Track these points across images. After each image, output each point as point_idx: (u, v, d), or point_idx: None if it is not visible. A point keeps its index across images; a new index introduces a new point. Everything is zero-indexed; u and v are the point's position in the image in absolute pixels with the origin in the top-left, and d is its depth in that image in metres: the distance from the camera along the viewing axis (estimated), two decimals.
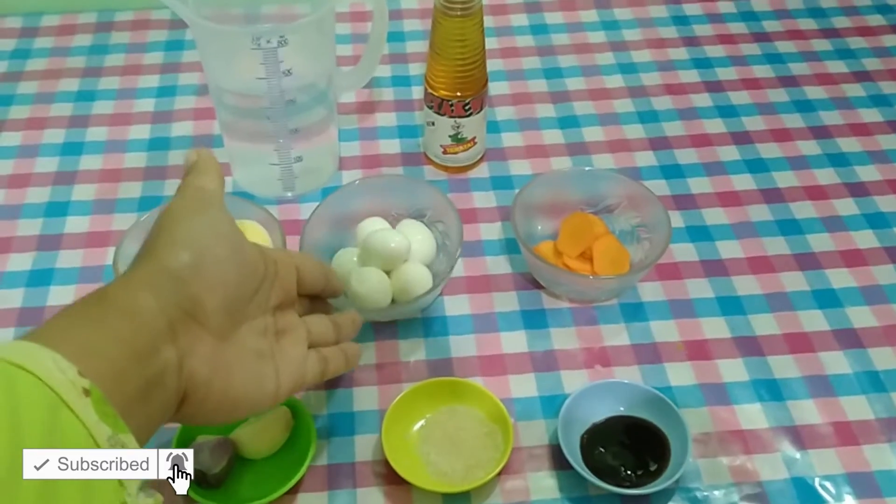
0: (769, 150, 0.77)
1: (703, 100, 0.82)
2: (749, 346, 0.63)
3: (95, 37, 0.88)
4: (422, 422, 0.57)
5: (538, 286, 0.66)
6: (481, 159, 0.76)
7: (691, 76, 0.85)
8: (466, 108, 0.70)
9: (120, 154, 0.76)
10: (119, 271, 0.59)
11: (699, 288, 0.66)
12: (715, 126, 0.80)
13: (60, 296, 0.65)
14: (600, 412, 0.57)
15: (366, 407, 0.59)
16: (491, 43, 0.87)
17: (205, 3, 0.65)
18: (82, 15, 0.90)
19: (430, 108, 0.71)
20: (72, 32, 0.89)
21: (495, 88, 0.83)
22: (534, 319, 0.64)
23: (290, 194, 0.73)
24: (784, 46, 0.88)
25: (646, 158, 0.76)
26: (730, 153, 0.77)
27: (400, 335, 0.63)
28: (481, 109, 0.71)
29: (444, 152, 0.74)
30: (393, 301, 0.62)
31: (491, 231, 0.70)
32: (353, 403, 0.59)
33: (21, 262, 0.67)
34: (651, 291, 0.66)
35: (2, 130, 0.78)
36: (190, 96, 0.81)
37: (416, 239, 0.64)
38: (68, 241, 0.69)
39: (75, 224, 0.70)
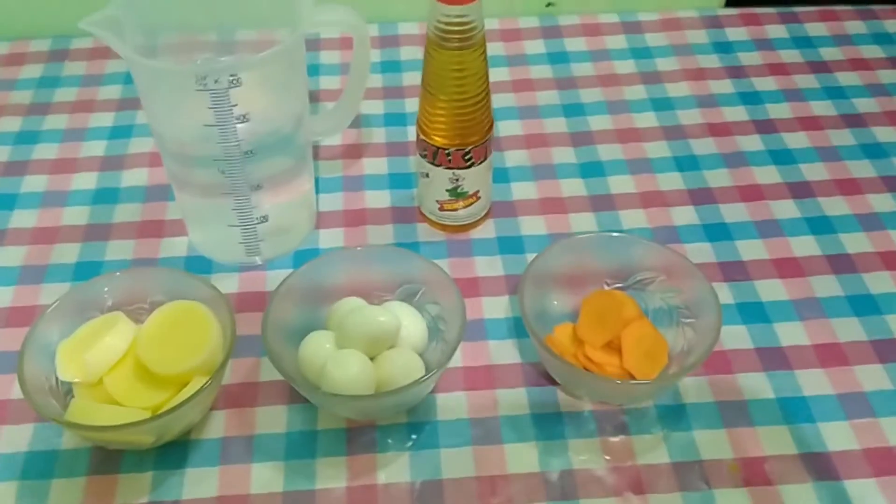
0: (835, 206, 0.64)
1: (752, 143, 0.69)
2: (823, 467, 0.49)
3: (46, 67, 0.77)
4: None
5: (553, 381, 0.53)
6: (486, 216, 0.63)
7: (738, 114, 0.72)
8: (467, 157, 0.57)
9: (58, 208, 0.64)
10: (26, 367, 0.47)
11: (755, 386, 0.53)
12: (768, 175, 0.66)
13: None
14: None
15: None
16: (501, 74, 0.75)
17: (165, 27, 0.54)
18: (34, 42, 0.79)
19: (424, 157, 0.59)
20: (20, 63, 0.77)
21: (505, 128, 0.70)
22: (547, 427, 0.51)
23: (259, 260, 0.60)
24: (846, 78, 0.75)
25: (685, 215, 0.63)
26: (787, 209, 0.64)
27: (378, 446, 0.50)
28: (485, 159, 0.59)
29: (441, 209, 0.61)
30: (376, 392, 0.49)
31: (496, 307, 0.57)
32: None
33: None
34: (695, 389, 0.53)
35: None
36: (148, 138, 0.69)
37: (403, 324, 0.52)
38: None
39: None
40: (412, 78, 0.76)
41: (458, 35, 0.53)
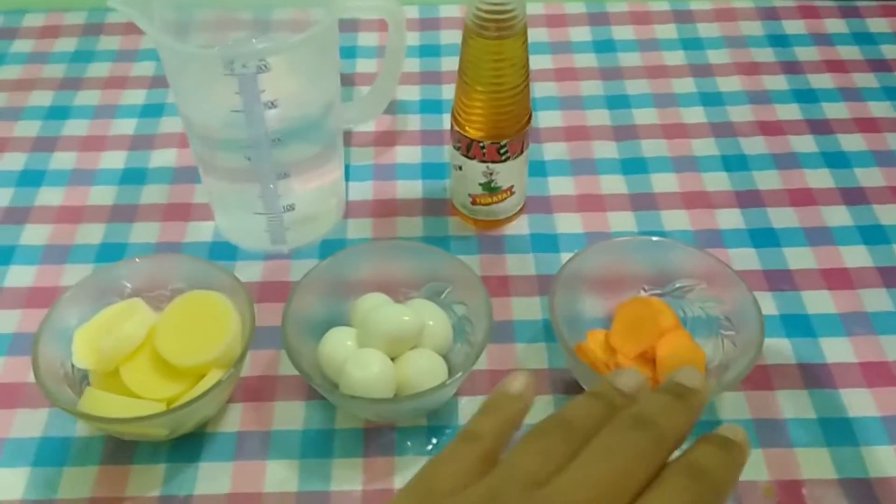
0: (890, 215, 0.60)
1: (805, 143, 0.65)
2: (863, 493, 0.46)
3: (80, 41, 0.76)
4: None
5: (582, 390, 0.51)
6: (520, 211, 0.61)
7: (792, 112, 0.68)
8: (502, 151, 0.55)
9: (85, 187, 0.63)
10: (41, 351, 0.46)
11: (797, 404, 0.50)
12: (821, 179, 0.63)
13: None
14: None
15: None
16: (543, 62, 0.73)
17: (199, 3, 0.52)
18: (69, 14, 0.78)
19: (458, 149, 0.56)
20: (55, 35, 0.76)
21: (545, 119, 0.68)
22: None
23: (286, 249, 0.59)
24: None
25: (731, 218, 0.60)
26: (839, 216, 0.60)
27: (397, 449, 0.49)
28: (521, 153, 0.56)
29: (474, 203, 0.59)
30: (396, 395, 0.48)
31: (526, 308, 0.55)
32: None
33: None
34: (731, 405, 0.50)
35: None
36: (178, 118, 0.68)
37: (428, 323, 0.50)
38: (6, 298, 0.56)
39: (17, 275, 0.57)
40: (451, 63, 0.73)
41: (497, 23, 0.50)
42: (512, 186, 0.58)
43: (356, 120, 0.61)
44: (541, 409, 0.50)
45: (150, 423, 0.45)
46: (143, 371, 0.47)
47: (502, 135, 0.54)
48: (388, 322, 0.48)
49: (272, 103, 0.50)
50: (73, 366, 0.48)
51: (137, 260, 0.51)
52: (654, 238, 0.53)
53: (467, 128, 0.55)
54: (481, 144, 0.55)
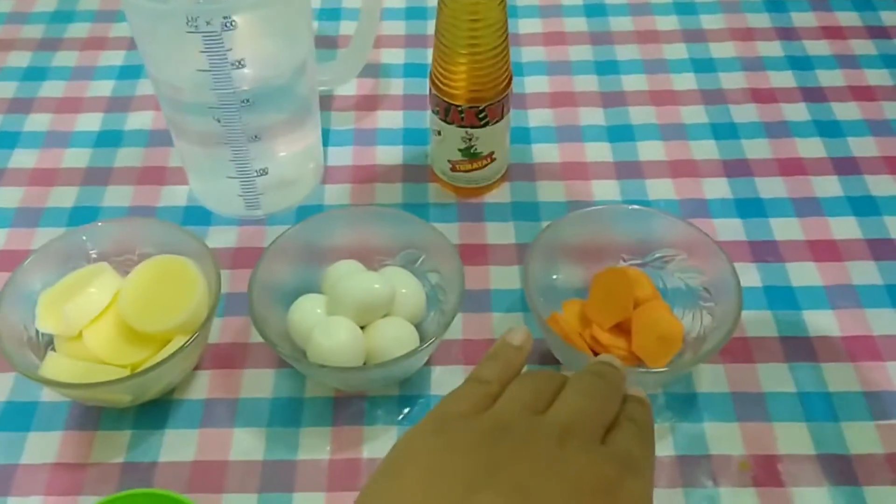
0: (883, 186, 0.59)
1: (798, 112, 0.64)
2: (841, 470, 0.45)
3: (60, 1, 0.74)
4: None
5: (557, 360, 0.50)
6: (502, 178, 0.59)
7: (785, 79, 0.66)
8: (481, 116, 0.54)
9: (60, 150, 0.62)
10: (3, 314, 0.45)
11: (777, 378, 0.49)
12: (812, 148, 0.61)
13: None
14: None
15: None
16: (531, 26, 0.71)
17: None
18: None
19: (436, 113, 0.55)
20: None
21: (531, 84, 0.66)
22: None
23: (261, 213, 0.57)
24: None
25: (718, 188, 0.59)
26: (830, 187, 0.59)
27: (367, 418, 0.48)
28: (501, 118, 0.55)
29: (454, 169, 0.57)
30: (365, 363, 0.47)
31: (504, 277, 0.54)
32: None
33: None
34: (709, 378, 0.49)
35: None
36: None
37: (401, 291, 0.49)
38: None
39: None
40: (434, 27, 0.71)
41: None
42: (493, 153, 0.56)
43: (331, 82, 0.60)
44: None
45: (113, 388, 0.44)
46: (108, 336, 0.47)
47: (481, 98, 0.53)
48: (358, 290, 0.47)
49: (240, 63, 0.48)
50: (37, 331, 0.47)
51: (104, 223, 0.50)
52: (635, 206, 0.51)
53: (445, 91, 0.53)
54: (459, 109, 0.53)
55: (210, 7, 0.45)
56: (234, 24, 0.46)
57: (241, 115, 0.51)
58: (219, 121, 0.51)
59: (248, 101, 0.50)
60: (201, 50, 0.47)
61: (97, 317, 0.47)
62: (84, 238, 0.50)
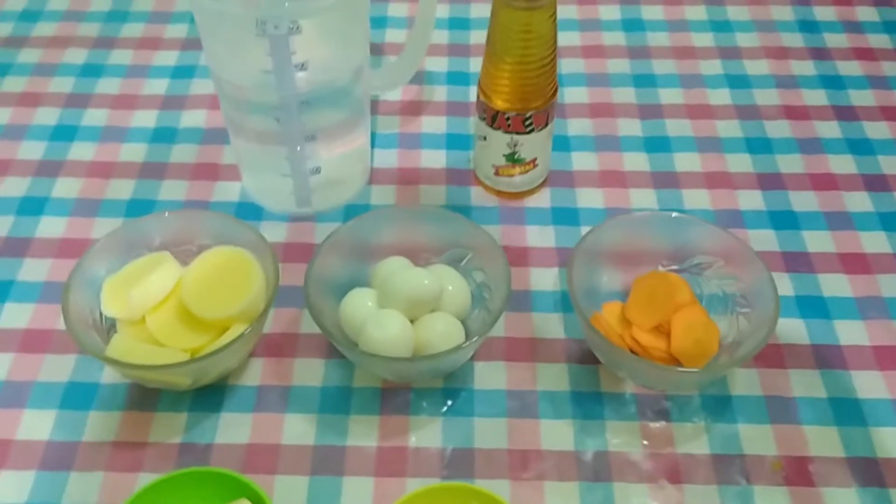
0: None
1: (831, 129, 0.66)
2: (870, 473, 0.47)
3: (115, 2, 0.77)
4: None
5: (596, 360, 0.52)
6: (543, 184, 0.61)
7: (818, 98, 0.68)
8: (527, 123, 0.56)
9: (117, 144, 0.64)
10: (71, 299, 0.47)
11: (808, 384, 0.51)
12: (844, 164, 0.63)
13: (13, 316, 0.54)
14: None
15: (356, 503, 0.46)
16: (572, 38, 0.73)
17: None
18: None
19: (483, 119, 0.57)
20: None
21: (571, 95, 0.68)
22: (586, 406, 0.50)
23: (310, 210, 0.60)
24: None
25: (752, 200, 0.61)
26: (860, 202, 0.60)
27: (412, 408, 0.50)
28: (546, 125, 0.57)
29: (497, 173, 0.59)
30: (412, 356, 0.49)
31: (544, 279, 0.56)
32: (340, 498, 0.46)
33: None
34: (743, 382, 0.51)
35: None
36: (209, 80, 0.69)
37: (447, 288, 0.51)
38: (37, 248, 0.57)
39: (49, 226, 0.59)
40: (479, 36, 0.73)
41: None
42: (535, 159, 0.58)
43: (383, 87, 0.62)
44: (556, 376, 0.51)
45: (175, 371, 0.46)
46: (169, 321, 0.49)
47: (528, 107, 0.55)
48: (409, 284, 0.49)
49: (302, 65, 0.50)
50: (101, 314, 0.49)
51: (167, 214, 0.53)
52: (674, 214, 0.54)
53: (493, 98, 0.55)
54: (507, 116, 0.55)
55: (280, 12, 0.48)
56: (299, 28, 0.48)
57: (299, 115, 0.53)
58: (278, 120, 0.53)
59: (307, 102, 0.52)
60: (268, 52, 0.49)
61: (160, 303, 0.49)
62: (147, 228, 0.52)
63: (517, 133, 0.56)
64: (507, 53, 0.53)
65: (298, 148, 0.55)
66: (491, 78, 0.55)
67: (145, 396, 0.50)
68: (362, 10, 0.53)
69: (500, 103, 0.55)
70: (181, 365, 0.46)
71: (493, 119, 0.56)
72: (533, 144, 0.57)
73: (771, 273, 0.49)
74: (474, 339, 0.47)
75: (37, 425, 0.49)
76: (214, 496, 0.43)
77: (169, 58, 0.71)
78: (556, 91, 0.56)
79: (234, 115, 0.56)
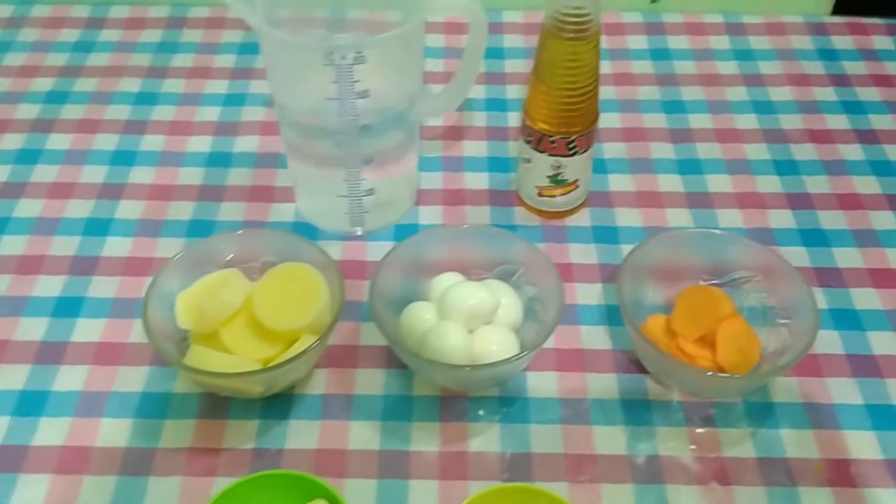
0: None
1: (853, 152, 0.69)
2: None
3: (165, 33, 0.80)
4: None
5: (642, 370, 0.54)
6: (582, 204, 0.64)
7: (840, 122, 0.71)
8: (571, 146, 0.59)
9: (174, 168, 0.67)
10: (151, 312, 0.50)
11: (844, 391, 0.53)
12: (867, 185, 0.66)
13: (87, 331, 0.56)
14: None
15: None
16: (602, 67, 0.75)
17: (280, 3, 0.56)
18: (154, 8, 0.83)
19: (528, 143, 0.60)
20: (141, 27, 0.81)
21: (604, 120, 0.71)
22: (635, 413, 0.52)
23: (359, 231, 0.63)
24: None
25: (782, 219, 0.64)
26: (886, 221, 0.64)
27: (470, 416, 0.53)
28: (588, 149, 0.60)
29: (540, 194, 0.62)
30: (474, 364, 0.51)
31: (588, 294, 0.59)
32: (407, 500, 0.49)
33: (50, 286, 0.59)
34: (783, 390, 0.54)
35: (50, 132, 0.70)
36: (259, 107, 0.73)
37: (502, 302, 0.54)
38: (105, 266, 0.60)
39: (115, 246, 0.62)
40: (513, 65, 0.77)
41: (574, 26, 0.54)
42: (577, 180, 0.62)
43: (433, 113, 0.65)
44: (605, 386, 0.54)
45: (251, 379, 0.49)
46: (241, 334, 0.52)
47: (572, 130, 0.58)
48: (468, 298, 0.52)
49: (364, 93, 0.54)
50: (174, 327, 0.52)
51: (237, 232, 0.56)
52: (714, 231, 0.57)
53: (539, 123, 0.58)
54: (552, 139, 0.59)
55: (347, 42, 0.51)
56: (364, 58, 0.52)
57: (358, 140, 0.56)
58: (339, 144, 0.56)
59: (366, 127, 0.56)
60: (333, 80, 0.53)
61: (232, 316, 0.52)
62: (215, 246, 0.55)
63: (561, 156, 0.59)
64: (554, 80, 0.56)
65: (355, 171, 0.58)
66: (537, 103, 0.58)
67: (217, 405, 0.52)
68: (419, 41, 0.56)
69: (545, 127, 0.58)
70: (257, 373, 0.49)
71: (539, 142, 0.59)
72: (575, 167, 0.60)
73: (810, 287, 0.52)
74: (530, 349, 0.50)
75: (115, 433, 0.51)
76: (292, 498, 0.45)
77: (219, 86, 0.75)
78: (597, 116, 0.59)
79: (295, 139, 0.59)
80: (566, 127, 0.58)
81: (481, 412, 0.53)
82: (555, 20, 0.54)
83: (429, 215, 0.64)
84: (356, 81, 0.53)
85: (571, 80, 0.56)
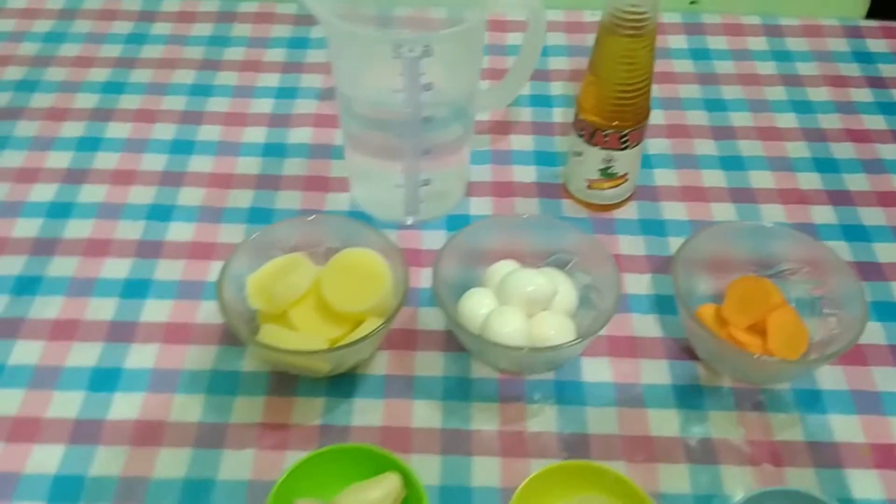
0: None
1: (891, 151, 0.71)
2: None
3: (216, 27, 0.82)
4: None
5: (693, 357, 0.56)
6: (630, 198, 0.66)
7: (877, 122, 0.73)
8: (623, 140, 0.61)
9: (232, 157, 0.70)
10: (225, 293, 0.52)
11: (889, 380, 0.55)
12: None
13: (155, 311, 0.58)
14: None
15: (485, 482, 0.50)
16: None
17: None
18: (204, 3, 0.85)
19: (581, 136, 0.62)
20: (191, 20, 0.83)
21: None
22: (688, 397, 0.54)
23: (410, 220, 0.65)
24: None
25: (824, 214, 0.66)
26: None
27: (527, 398, 0.54)
28: (639, 143, 0.62)
29: (589, 187, 0.64)
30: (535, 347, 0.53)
31: (638, 284, 0.61)
32: (470, 476, 0.51)
33: (117, 268, 0.61)
34: (830, 378, 0.55)
35: (109, 121, 0.73)
36: (311, 100, 0.75)
37: (558, 290, 0.56)
38: (169, 250, 0.62)
39: (178, 231, 0.64)
40: (556, 63, 0.79)
41: (631, 23, 0.56)
42: (627, 174, 0.64)
43: (489, 106, 0.67)
44: (657, 371, 0.56)
45: (322, 357, 0.51)
46: (309, 315, 0.54)
47: (625, 125, 0.60)
48: (526, 284, 0.54)
49: (428, 86, 0.56)
50: (244, 308, 0.54)
51: (310, 218, 0.58)
52: (762, 223, 0.59)
53: (592, 117, 0.60)
54: (605, 133, 0.61)
55: (417, 36, 0.53)
56: (431, 51, 0.54)
57: (420, 131, 0.58)
58: (400, 136, 0.58)
59: (428, 119, 0.58)
60: (400, 73, 0.55)
61: (300, 298, 0.54)
62: (284, 232, 0.57)
63: (613, 149, 0.61)
64: (609, 76, 0.58)
65: (414, 161, 0.60)
66: (591, 98, 0.60)
67: (285, 383, 0.54)
68: (481, 36, 0.58)
69: (598, 121, 0.60)
70: (328, 351, 0.51)
71: (591, 136, 0.61)
72: (626, 160, 0.62)
73: (859, 279, 0.54)
74: (587, 335, 0.52)
75: (189, 408, 0.53)
76: (364, 471, 0.47)
77: (271, 80, 0.77)
78: (649, 112, 0.61)
79: (357, 130, 0.61)
80: (620, 121, 0.60)
81: (537, 395, 0.55)
82: (613, 17, 0.56)
83: (479, 206, 0.66)
84: (422, 74, 0.55)
85: (627, 77, 0.58)
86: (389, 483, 0.47)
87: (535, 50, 0.62)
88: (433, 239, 0.63)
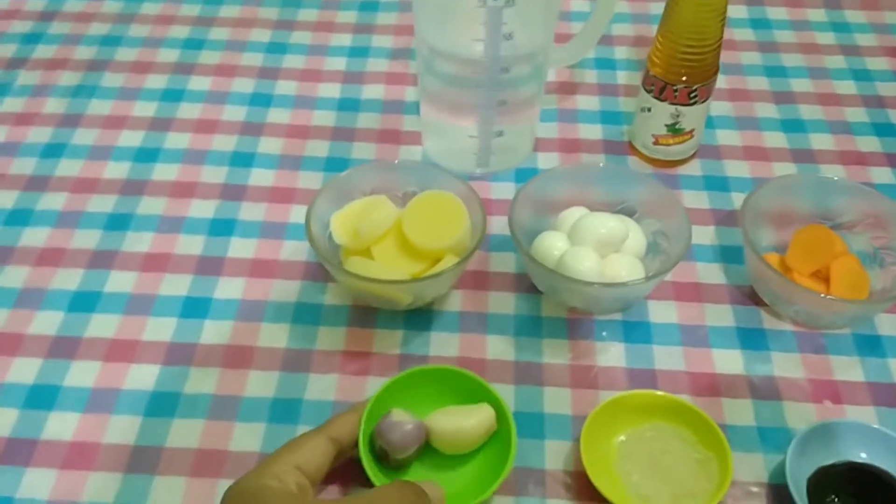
0: None
1: None
2: None
3: None
4: (622, 437, 0.51)
5: (757, 302, 0.58)
6: (693, 156, 0.68)
7: None
8: (692, 95, 0.63)
9: (308, 111, 0.73)
10: (313, 230, 0.55)
11: None
12: None
13: (241, 248, 0.62)
14: (830, 455, 0.49)
15: (557, 410, 0.53)
16: None
17: None
18: None
19: (650, 91, 0.64)
20: None
21: None
22: (752, 339, 0.57)
23: (479, 171, 0.67)
24: None
25: (883, 175, 0.67)
26: None
27: (596, 335, 0.57)
28: (707, 99, 0.64)
29: (656, 143, 0.67)
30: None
31: (703, 235, 0.63)
32: (543, 404, 0.53)
33: (204, 208, 0.64)
34: (889, 324, 0.57)
35: (191, 74, 0.76)
36: (382, 59, 0.78)
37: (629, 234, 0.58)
38: (252, 194, 0.66)
39: (260, 176, 0.67)
40: (620, 28, 0.81)
41: None
42: (693, 130, 0.66)
43: (564, 61, 0.70)
44: (721, 314, 0.58)
45: (404, 288, 0.54)
46: (391, 250, 0.56)
47: (695, 80, 0.62)
48: (599, 226, 0.56)
49: (509, 35, 0.58)
50: (327, 244, 0.57)
51: (387, 162, 0.61)
52: (824, 176, 0.60)
53: (664, 72, 0.63)
54: (675, 88, 0.63)
55: None
56: (514, 1, 0.56)
57: (497, 82, 0.61)
58: (477, 87, 0.61)
59: (506, 69, 0.60)
60: (482, 22, 0.57)
61: (381, 236, 0.57)
62: (366, 175, 0.60)
63: (681, 104, 0.64)
64: (682, 31, 0.60)
65: (489, 112, 0.63)
66: (665, 54, 0.62)
67: (365, 315, 0.57)
68: None
69: (670, 76, 0.63)
70: (410, 282, 0.54)
71: (661, 91, 0.63)
72: (693, 116, 0.64)
73: None
74: (658, 274, 0.54)
75: (276, 335, 0.56)
76: (454, 397, 0.50)
77: (344, 39, 0.80)
78: (718, 68, 0.63)
79: (434, 82, 0.64)
80: (689, 76, 0.62)
81: (605, 333, 0.57)
82: None
83: (547, 161, 0.69)
84: (504, 24, 0.57)
85: (700, 31, 0.60)
86: (484, 413, 0.49)
87: (608, 10, 0.64)
88: (503, 189, 0.66)
